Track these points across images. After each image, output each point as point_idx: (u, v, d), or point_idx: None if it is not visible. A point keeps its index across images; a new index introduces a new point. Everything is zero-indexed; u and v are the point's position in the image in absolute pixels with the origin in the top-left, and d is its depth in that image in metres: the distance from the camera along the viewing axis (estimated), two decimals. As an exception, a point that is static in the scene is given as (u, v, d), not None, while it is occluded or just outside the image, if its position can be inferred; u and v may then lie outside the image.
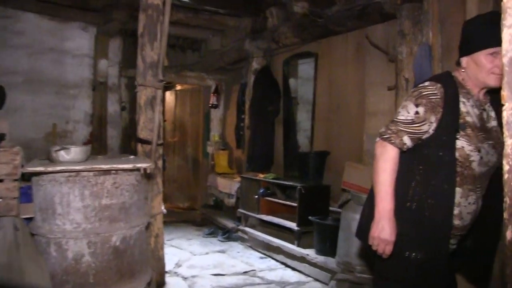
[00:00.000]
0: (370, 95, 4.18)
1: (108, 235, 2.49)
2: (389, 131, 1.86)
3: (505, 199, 1.03)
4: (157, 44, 3.41)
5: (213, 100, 7.32)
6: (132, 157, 3.12)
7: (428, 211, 1.84)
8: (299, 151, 5.39)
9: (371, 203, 1.92)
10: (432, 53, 3.08)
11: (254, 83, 5.78)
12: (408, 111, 1.85)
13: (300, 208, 4.37)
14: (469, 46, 1.89)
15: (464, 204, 1.88)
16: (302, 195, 4.36)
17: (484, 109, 1.94)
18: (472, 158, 1.85)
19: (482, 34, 1.84)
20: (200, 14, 5.63)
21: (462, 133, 1.83)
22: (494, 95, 2.00)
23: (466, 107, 1.88)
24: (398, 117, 1.88)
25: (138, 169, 2.66)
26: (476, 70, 1.86)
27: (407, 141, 1.85)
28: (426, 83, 1.87)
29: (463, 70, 1.92)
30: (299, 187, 4.38)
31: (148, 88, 3.41)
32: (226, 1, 5.17)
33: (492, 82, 1.85)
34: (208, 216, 6.53)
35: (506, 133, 1.02)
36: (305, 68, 5.53)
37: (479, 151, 1.85)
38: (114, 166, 2.53)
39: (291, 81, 5.71)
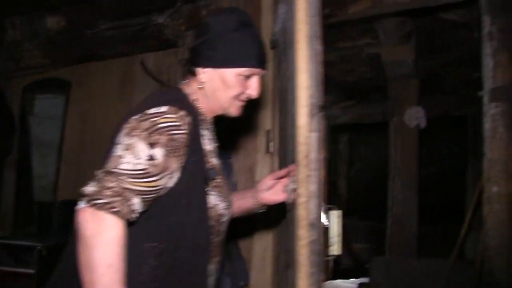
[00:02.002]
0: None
1: None
2: (107, 192, 1.13)
3: None
4: None
5: None
6: None
7: None
8: (38, 200, 4.29)
9: None
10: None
11: (-20, 112, 4.46)
12: (137, 155, 1.17)
13: (39, 276, 3.30)
14: (216, 55, 1.36)
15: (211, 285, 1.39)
16: (42, 258, 3.31)
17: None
18: (224, 219, 1.37)
19: (237, 45, 1.36)
20: None
21: (212, 184, 1.34)
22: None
23: (208, 143, 1.41)
24: (121, 166, 1.16)
25: None
26: (222, 90, 1.39)
27: (137, 206, 1.17)
28: (163, 109, 1.23)
29: (201, 86, 1.40)
30: (38, 247, 3.32)
31: None
32: None
33: (234, 110, 1.43)
34: None
35: None
36: (53, 98, 4.54)
37: (228, 206, 1.39)
38: None
39: (32, 113, 4.62)
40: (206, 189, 1.31)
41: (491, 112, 2.44)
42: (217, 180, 1.36)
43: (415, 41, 4.19)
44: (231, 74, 1.37)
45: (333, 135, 7.94)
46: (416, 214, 4.54)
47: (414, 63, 4.30)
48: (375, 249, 7.42)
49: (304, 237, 1.34)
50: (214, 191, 1.34)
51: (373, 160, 9.45)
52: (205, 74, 1.39)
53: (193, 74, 1.41)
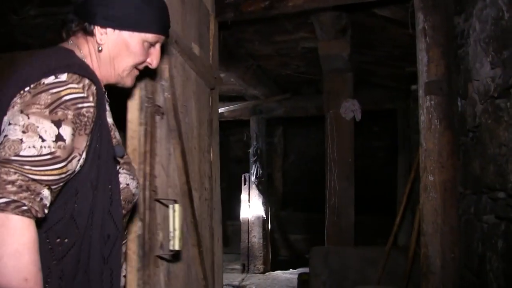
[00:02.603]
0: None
1: None
2: (9, 188, 0.90)
3: None
4: None
5: None
6: None
7: None
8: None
9: None
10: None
11: None
12: (42, 137, 0.96)
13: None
14: (116, 14, 1.16)
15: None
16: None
17: None
18: (136, 199, 1.26)
19: (142, 5, 1.18)
20: None
21: (121, 161, 1.18)
22: None
23: (109, 115, 1.23)
24: (23, 153, 0.93)
25: None
26: (123, 56, 1.20)
27: (48, 199, 0.97)
28: (63, 77, 1.02)
29: (100, 48, 1.18)
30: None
31: None
32: None
33: (129, 80, 1.26)
34: None
35: None
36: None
37: (138, 183, 1.28)
38: None
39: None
40: (117, 169, 1.14)
41: (426, 104, 2.54)
42: (126, 157, 1.20)
43: (350, 35, 4.29)
44: (137, 39, 1.19)
45: (268, 128, 8.00)
46: (353, 204, 4.69)
47: (349, 57, 4.41)
48: (311, 240, 7.60)
49: (132, 231, 1.31)
50: (124, 169, 1.18)
51: (307, 153, 9.67)
52: (106, 36, 1.17)
53: (87, 33, 1.17)
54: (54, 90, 0.99)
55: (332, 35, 4.13)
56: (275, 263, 7.66)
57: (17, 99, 0.99)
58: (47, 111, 0.97)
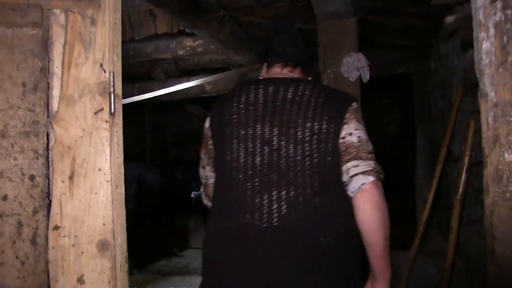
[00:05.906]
0: None
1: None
2: (378, 165, 1.58)
3: None
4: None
5: None
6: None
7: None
8: None
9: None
10: None
11: None
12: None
13: None
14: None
15: None
16: None
17: None
18: None
19: None
20: None
21: None
22: None
23: None
24: (372, 148, 1.61)
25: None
26: None
27: None
28: (357, 103, 1.66)
29: None
30: None
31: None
32: None
33: None
34: None
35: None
36: None
37: None
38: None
39: None
40: None
41: (494, 19, 1.36)
42: None
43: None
44: None
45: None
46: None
47: (350, -5, 3.22)
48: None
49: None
50: None
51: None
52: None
53: (305, 72, 1.81)
54: (359, 110, 1.64)
55: (325, -40, 2.94)
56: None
57: (350, 115, 1.59)
58: (362, 122, 1.63)
